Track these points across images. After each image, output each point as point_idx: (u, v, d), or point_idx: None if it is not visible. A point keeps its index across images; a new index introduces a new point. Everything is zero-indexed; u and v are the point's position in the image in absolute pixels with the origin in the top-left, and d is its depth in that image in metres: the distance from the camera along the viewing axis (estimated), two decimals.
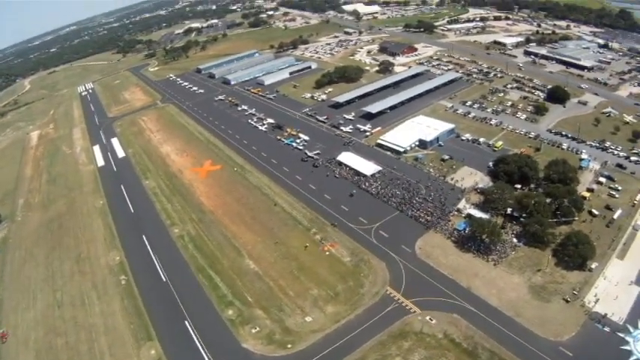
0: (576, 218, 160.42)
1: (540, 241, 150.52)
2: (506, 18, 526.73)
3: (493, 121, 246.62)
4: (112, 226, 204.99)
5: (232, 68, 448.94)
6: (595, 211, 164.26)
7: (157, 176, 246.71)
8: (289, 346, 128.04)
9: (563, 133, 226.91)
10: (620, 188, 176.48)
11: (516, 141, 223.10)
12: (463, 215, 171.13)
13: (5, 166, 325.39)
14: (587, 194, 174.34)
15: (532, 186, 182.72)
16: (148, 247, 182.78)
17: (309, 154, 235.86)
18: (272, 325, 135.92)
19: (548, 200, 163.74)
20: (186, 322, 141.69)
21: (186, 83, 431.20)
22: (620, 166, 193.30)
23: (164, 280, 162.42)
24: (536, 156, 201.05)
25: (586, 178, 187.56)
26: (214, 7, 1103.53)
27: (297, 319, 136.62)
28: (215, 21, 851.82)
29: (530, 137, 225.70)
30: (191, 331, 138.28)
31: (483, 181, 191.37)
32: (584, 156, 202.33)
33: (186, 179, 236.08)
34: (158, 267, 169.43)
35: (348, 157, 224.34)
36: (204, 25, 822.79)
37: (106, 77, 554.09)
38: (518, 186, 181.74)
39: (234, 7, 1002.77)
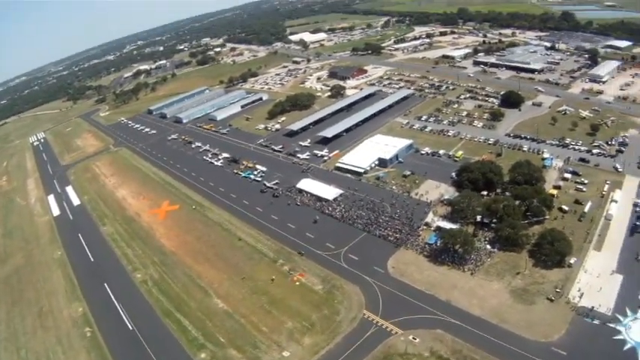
0: (547, 217, 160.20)
1: (515, 244, 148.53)
2: (452, 32, 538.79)
3: (451, 132, 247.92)
4: (72, 277, 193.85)
5: (183, 107, 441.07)
6: (565, 207, 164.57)
7: (114, 221, 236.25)
8: None
9: (522, 135, 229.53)
10: (586, 182, 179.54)
11: (476, 149, 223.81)
12: (432, 228, 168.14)
13: None
14: (554, 192, 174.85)
15: (498, 191, 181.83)
16: (111, 295, 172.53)
17: (268, 184, 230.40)
18: None
19: (517, 203, 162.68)
20: None
21: (137, 125, 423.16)
22: (583, 160, 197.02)
23: (130, 328, 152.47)
24: (499, 161, 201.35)
25: (551, 176, 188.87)
26: (162, 48, 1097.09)
27: (275, 355, 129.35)
28: (163, 62, 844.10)
29: (489, 144, 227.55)
30: None
31: (448, 192, 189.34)
32: (546, 155, 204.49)
33: (145, 222, 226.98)
34: (123, 315, 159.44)
35: (307, 184, 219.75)
36: (153, 66, 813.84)
37: (57, 126, 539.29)
38: (485, 193, 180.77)
39: (182, 47, 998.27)
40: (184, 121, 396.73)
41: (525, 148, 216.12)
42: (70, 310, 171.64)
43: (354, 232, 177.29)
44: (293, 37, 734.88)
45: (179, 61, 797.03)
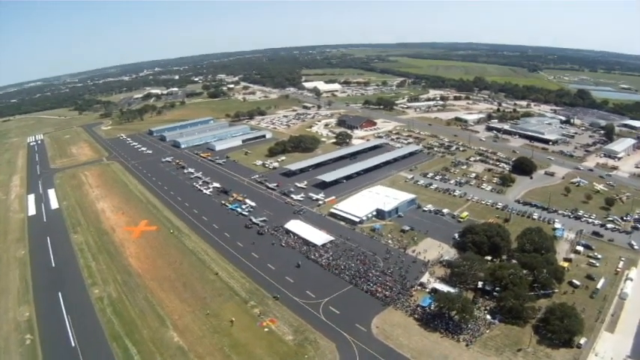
0: (556, 290, 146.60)
1: (518, 316, 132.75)
2: (467, 98, 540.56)
3: (457, 193, 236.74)
4: (29, 279, 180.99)
5: (184, 132, 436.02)
6: (576, 282, 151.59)
7: (86, 232, 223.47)
8: None
9: (533, 203, 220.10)
10: (599, 257, 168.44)
11: (483, 212, 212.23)
12: (427, 290, 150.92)
13: None
14: (565, 264, 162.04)
15: (504, 257, 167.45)
16: (62, 305, 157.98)
17: (255, 220, 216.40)
18: None
19: (524, 272, 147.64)
20: None
21: (135, 143, 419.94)
22: (596, 234, 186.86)
23: (73, 345, 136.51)
24: (506, 227, 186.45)
25: (562, 247, 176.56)
26: (177, 77, 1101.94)
27: None
28: (175, 89, 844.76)
29: (497, 208, 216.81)
30: None
31: (449, 253, 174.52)
32: (557, 225, 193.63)
33: (118, 238, 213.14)
34: (69, 329, 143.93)
35: (296, 226, 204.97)
36: (165, 92, 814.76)
37: (58, 131, 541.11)
38: (489, 258, 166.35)
39: (197, 79, 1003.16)
40: (182, 146, 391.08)
41: (535, 217, 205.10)
42: (16, 312, 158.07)
43: (339, 282, 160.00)
44: (307, 84, 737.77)
45: (191, 90, 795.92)
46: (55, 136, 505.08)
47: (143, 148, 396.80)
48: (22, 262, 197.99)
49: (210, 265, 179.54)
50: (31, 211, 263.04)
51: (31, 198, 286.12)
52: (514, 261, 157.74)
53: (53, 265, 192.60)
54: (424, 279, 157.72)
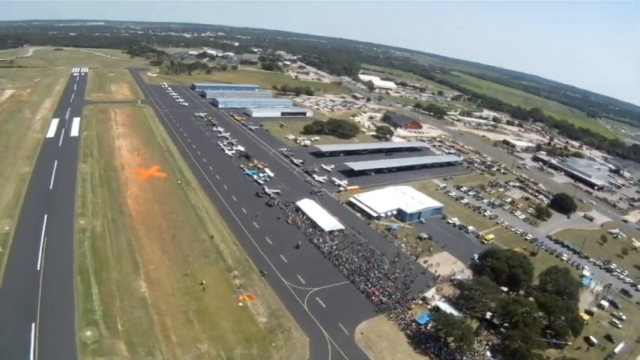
0: (570, 343, 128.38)
1: None
2: (519, 125, 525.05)
3: (488, 213, 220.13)
4: (22, 196, 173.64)
5: (226, 93, 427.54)
6: (593, 339, 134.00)
7: (95, 164, 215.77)
8: None
9: (565, 243, 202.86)
10: (624, 318, 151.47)
11: (510, 239, 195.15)
12: (429, 306, 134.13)
13: None
14: (586, 317, 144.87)
15: (521, 292, 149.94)
16: (43, 228, 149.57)
17: (267, 190, 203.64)
18: None
19: (540, 313, 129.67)
20: (32, 325, 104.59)
21: (174, 94, 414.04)
22: (625, 292, 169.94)
23: (37, 268, 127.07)
24: (531, 260, 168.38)
25: (586, 297, 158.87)
26: (237, 44, 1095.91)
27: None
28: (231, 54, 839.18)
29: (526, 239, 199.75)
30: (32, 337, 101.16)
31: (463, 273, 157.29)
32: (585, 272, 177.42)
33: (124, 176, 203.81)
34: (40, 252, 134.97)
35: (308, 206, 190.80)
36: (220, 54, 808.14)
37: (104, 68, 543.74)
38: (505, 289, 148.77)
39: (256, 50, 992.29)
40: (220, 105, 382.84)
41: (564, 258, 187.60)
42: None
43: (335, 275, 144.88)
44: (362, 77, 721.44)
45: (246, 58, 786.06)
46: (99, 72, 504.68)
47: (180, 100, 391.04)
48: (22, 178, 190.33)
49: (207, 224, 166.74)
50: (50, 133, 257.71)
51: (55, 122, 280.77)
52: (531, 299, 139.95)
53: (51, 187, 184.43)
54: (429, 294, 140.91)
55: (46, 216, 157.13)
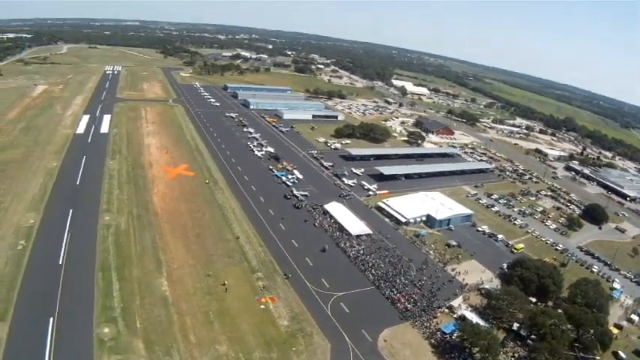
0: (598, 358, 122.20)
1: None
2: (552, 134, 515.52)
3: (518, 222, 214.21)
4: (48, 190, 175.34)
5: (258, 95, 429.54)
6: (622, 355, 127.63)
7: (124, 161, 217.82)
8: None
9: (596, 255, 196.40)
10: None
11: (540, 249, 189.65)
12: (455, 315, 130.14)
13: None
14: (615, 330, 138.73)
15: (550, 304, 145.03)
16: (68, 223, 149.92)
17: (296, 192, 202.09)
18: None
19: (569, 326, 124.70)
20: (50, 319, 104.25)
21: (206, 94, 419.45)
22: None
23: (60, 262, 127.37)
24: (561, 271, 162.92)
25: (615, 311, 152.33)
26: (271, 46, 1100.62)
27: None
28: (265, 56, 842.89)
29: (556, 249, 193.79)
30: (49, 332, 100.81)
31: (491, 282, 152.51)
32: (616, 285, 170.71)
33: (152, 174, 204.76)
34: (63, 246, 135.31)
35: (337, 209, 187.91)
36: (254, 56, 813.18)
37: (137, 66, 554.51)
38: (533, 299, 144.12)
39: (289, 53, 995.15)
40: (251, 106, 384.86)
41: (595, 269, 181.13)
42: (22, 217, 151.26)
43: (361, 280, 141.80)
44: (395, 82, 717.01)
45: (280, 61, 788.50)
46: (132, 71, 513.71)
47: (212, 100, 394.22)
48: (49, 173, 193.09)
49: (232, 224, 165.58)
50: (80, 130, 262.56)
51: (85, 118, 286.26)
52: (560, 310, 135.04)
53: (78, 183, 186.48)
54: (455, 302, 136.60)
55: (71, 211, 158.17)
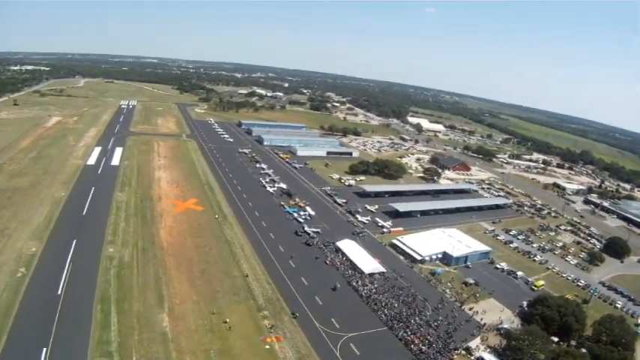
0: None
1: None
2: (570, 168, 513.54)
3: (538, 258, 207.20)
4: (53, 219, 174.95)
5: (272, 131, 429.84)
6: None
7: (132, 193, 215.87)
8: None
9: (619, 290, 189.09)
10: None
11: (561, 286, 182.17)
12: (472, 358, 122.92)
13: (8, 132, 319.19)
14: None
15: (573, 343, 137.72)
16: (71, 253, 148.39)
17: (307, 229, 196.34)
18: None
19: None
20: (44, 350, 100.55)
21: (220, 130, 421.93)
22: None
23: (58, 292, 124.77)
24: (584, 308, 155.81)
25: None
26: (287, 85, 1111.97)
27: None
28: (280, 94, 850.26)
29: (578, 285, 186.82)
30: None
31: (510, 321, 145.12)
32: None
33: (160, 207, 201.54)
34: (64, 276, 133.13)
35: (349, 247, 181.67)
36: (269, 94, 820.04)
37: (152, 101, 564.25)
38: (555, 339, 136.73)
39: (305, 91, 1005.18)
40: (265, 142, 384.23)
41: (619, 305, 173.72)
42: (24, 244, 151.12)
43: (373, 320, 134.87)
44: (411, 119, 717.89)
45: (295, 99, 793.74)
46: (147, 105, 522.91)
47: (226, 135, 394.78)
48: (56, 202, 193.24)
49: (240, 260, 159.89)
50: (91, 161, 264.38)
51: (97, 150, 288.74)
52: (584, 350, 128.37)
53: (84, 213, 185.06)
54: (473, 344, 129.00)
55: (75, 241, 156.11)
